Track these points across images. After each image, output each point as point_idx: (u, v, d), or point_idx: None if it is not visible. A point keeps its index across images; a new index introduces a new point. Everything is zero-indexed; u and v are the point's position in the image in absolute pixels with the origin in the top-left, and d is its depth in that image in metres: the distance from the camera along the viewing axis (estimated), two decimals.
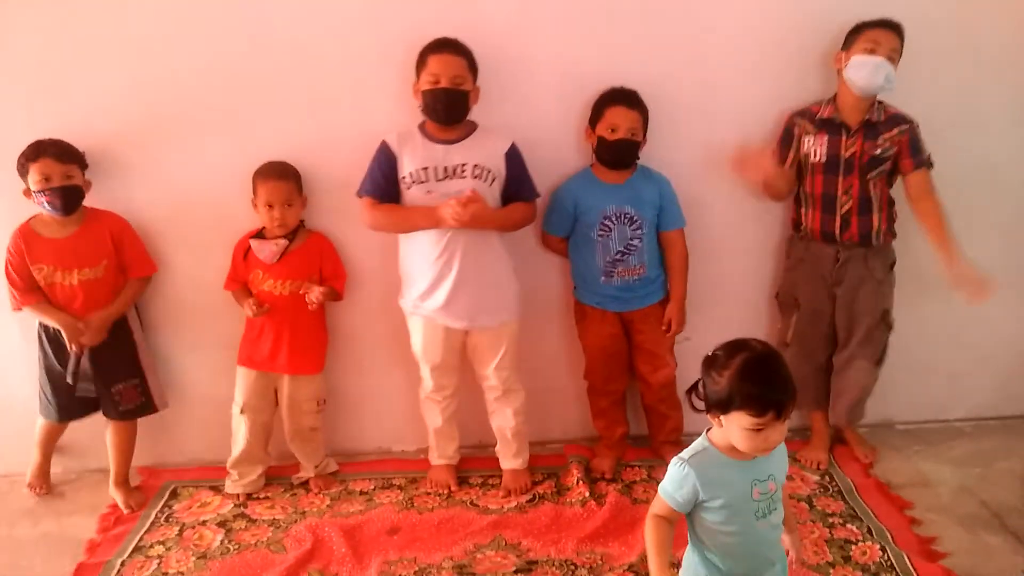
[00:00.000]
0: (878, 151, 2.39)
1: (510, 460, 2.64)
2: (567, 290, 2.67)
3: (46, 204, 2.37)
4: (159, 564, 2.35)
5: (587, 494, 2.54)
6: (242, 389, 2.59)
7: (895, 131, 2.39)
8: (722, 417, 1.54)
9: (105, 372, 2.53)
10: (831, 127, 2.41)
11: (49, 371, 2.53)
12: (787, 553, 1.75)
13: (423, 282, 2.40)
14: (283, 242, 2.48)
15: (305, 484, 2.69)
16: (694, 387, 1.60)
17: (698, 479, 1.56)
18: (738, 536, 1.60)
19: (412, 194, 2.34)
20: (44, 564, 2.37)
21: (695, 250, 2.59)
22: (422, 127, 2.38)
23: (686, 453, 1.61)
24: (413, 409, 2.69)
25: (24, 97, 2.47)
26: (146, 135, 2.51)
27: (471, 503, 2.57)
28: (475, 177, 2.32)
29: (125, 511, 2.58)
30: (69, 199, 2.39)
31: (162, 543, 2.44)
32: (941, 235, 2.38)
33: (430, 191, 2.31)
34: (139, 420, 2.64)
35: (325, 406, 2.67)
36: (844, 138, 2.40)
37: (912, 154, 2.40)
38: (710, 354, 1.57)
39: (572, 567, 2.25)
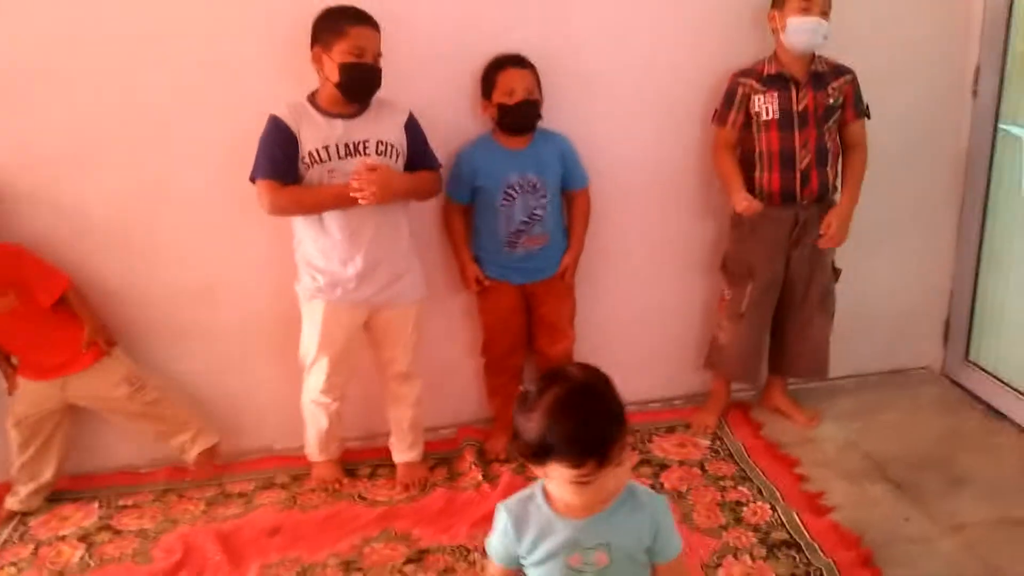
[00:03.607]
0: (831, 100, 2.39)
1: (405, 452, 2.52)
2: (453, 269, 2.57)
3: None
4: None
5: (480, 477, 2.46)
6: (21, 402, 2.38)
7: (841, 80, 2.40)
8: (543, 468, 1.27)
9: None
10: (780, 82, 2.38)
11: None
12: None
13: (330, 263, 2.24)
14: None
15: (176, 489, 2.50)
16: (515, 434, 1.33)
17: (514, 528, 1.33)
18: None
19: (312, 174, 2.16)
20: None
21: (621, 212, 2.58)
22: (312, 100, 2.19)
23: (512, 497, 1.39)
24: (295, 404, 2.54)
25: None
26: None
27: (359, 496, 2.45)
28: (379, 154, 2.18)
29: None
30: None
31: (14, 564, 2.21)
32: (856, 186, 2.47)
33: (332, 170, 2.15)
34: None
35: (143, 377, 2.45)
36: (795, 92, 2.37)
37: (855, 103, 2.43)
38: (522, 389, 1.31)
39: (465, 552, 2.16)
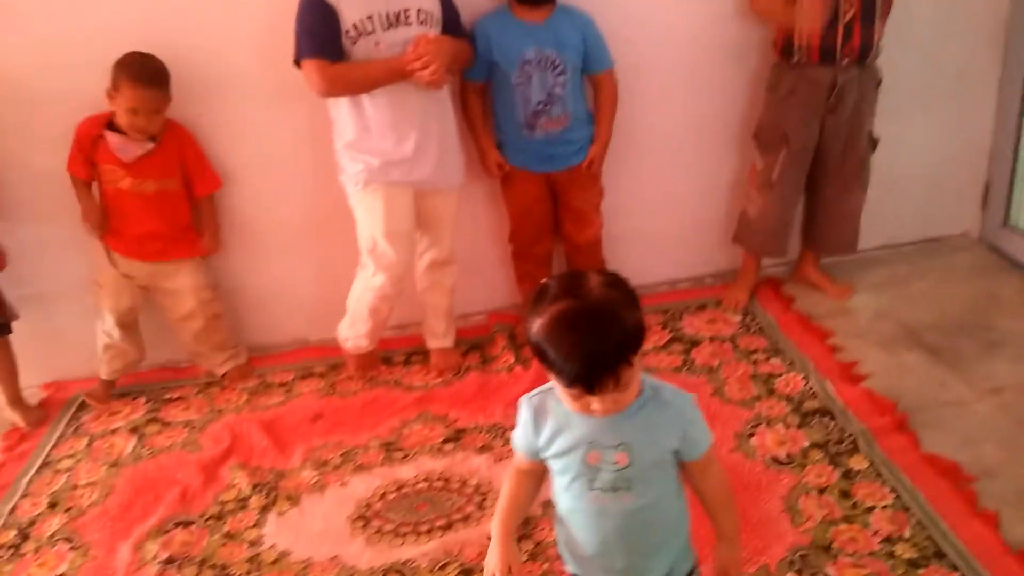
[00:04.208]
0: None
1: (440, 339, 2.54)
2: (475, 154, 2.50)
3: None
4: (68, 477, 2.23)
5: (513, 360, 2.49)
6: (111, 292, 2.41)
7: None
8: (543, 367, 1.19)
9: None
10: None
11: None
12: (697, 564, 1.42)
13: (383, 143, 2.17)
14: (148, 144, 2.26)
15: (219, 381, 2.57)
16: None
17: (532, 421, 1.28)
18: (576, 511, 1.30)
19: (358, 49, 2.08)
20: None
21: (646, 91, 2.47)
22: None
23: (536, 390, 1.31)
24: (329, 296, 2.56)
25: None
26: None
27: (395, 382, 2.50)
28: (421, 23, 2.10)
29: (28, 429, 2.43)
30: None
31: (71, 456, 2.32)
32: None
33: (378, 43, 2.08)
34: (30, 334, 2.45)
35: (218, 292, 2.52)
36: None
37: None
38: (543, 282, 1.21)
39: (500, 430, 2.22)
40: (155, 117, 2.23)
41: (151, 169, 2.29)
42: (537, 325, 1.15)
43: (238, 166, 2.48)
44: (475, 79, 2.35)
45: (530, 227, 2.51)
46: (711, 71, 2.57)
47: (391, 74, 2.08)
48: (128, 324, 2.46)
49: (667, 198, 2.74)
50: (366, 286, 2.37)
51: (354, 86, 2.12)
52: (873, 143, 2.50)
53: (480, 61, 2.31)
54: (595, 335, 1.13)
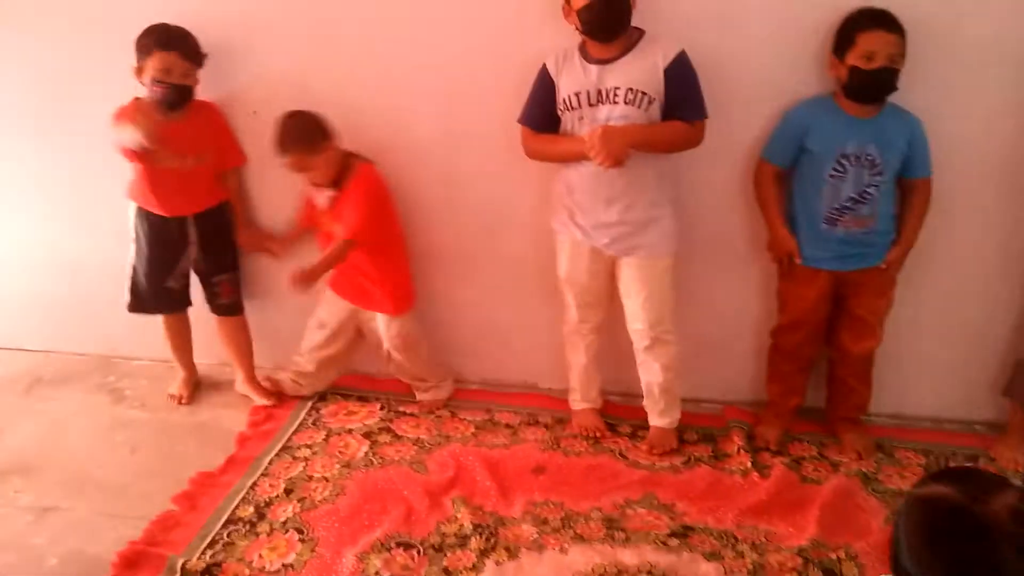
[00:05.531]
0: None
1: (656, 418, 2.46)
2: (756, 234, 2.40)
3: (157, 94, 2.28)
4: (304, 467, 2.34)
5: (749, 464, 2.34)
6: (324, 308, 2.58)
7: None
8: None
9: (210, 264, 2.53)
10: None
11: (152, 262, 2.48)
12: None
13: (577, 200, 2.25)
14: (329, 192, 2.36)
15: (449, 406, 2.64)
16: None
17: None
18: None
19: (566, 120, 2.18)
20: (197, 453, 2.42)
21: (936, 209, 2.26)
22: (582, 46, 2.16)
23: None
24: (560, 346, 2.55)
25: None
26: (259, 26, 2.41)
27: (619, 453, 2.43)
28: (627, 103, 2.09)
29: (268, 406, 2.60)
30: (182, 98, 2.32)
31: (309, 446, 2.44)
32: None
33: (582, 117, 2.14)
34: (277, 322, 2.65)
35: (417, 341, 2.57)
36: None
37: None
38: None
39: (733, 540, 2.07)
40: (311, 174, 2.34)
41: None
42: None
43: (504, 214, 2.54)
44: (774, 162, 2.26)
45: (804, 328, 2.36)
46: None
47: (576, 155, 2.14)
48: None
49: (948, 325, 2.48)
50: (566, 325, 2.48)
51: (547, 157, 2.27)
52: None
53: (789, 146, 2.22)
54: None
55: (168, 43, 2.25)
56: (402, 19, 2.36)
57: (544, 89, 2.18)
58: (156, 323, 2.65)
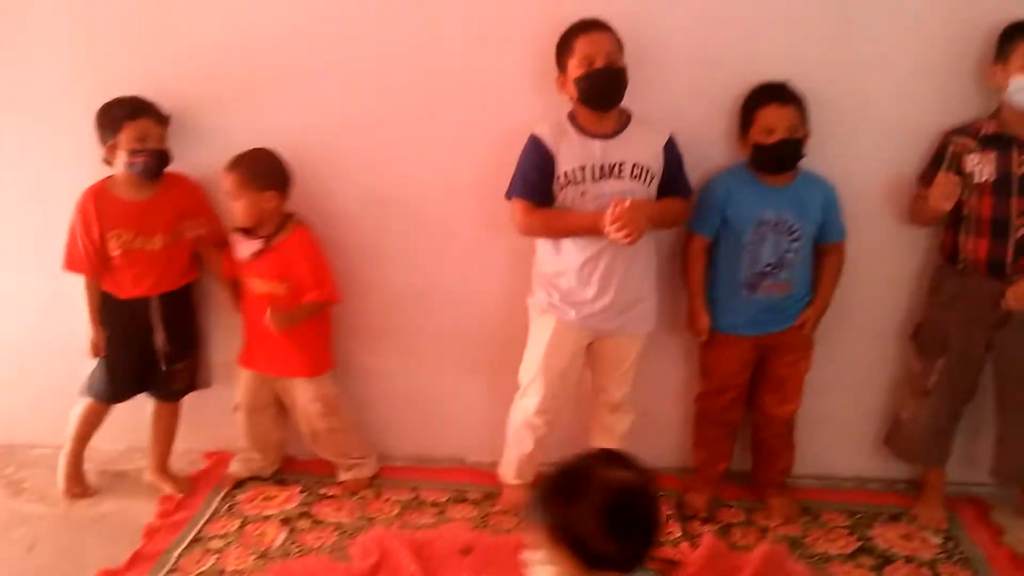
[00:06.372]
0: None
1: None
2: (680, 303, 2.41)
3: (138, 166, 2.22)
4: (217, 560, 2.21)
5: (680, 534, 2.31)
6: (240, 388, 2.47)
7: None
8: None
9: (173, 350, 2.40)
10: (999, 143, 2.12)
11: (124, 345, 2.38)
12: None
13: (568, 282, 2.19)
14: (256, 243, 2.30)
15: (373, 486, 2.54)
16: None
17: None
18: None
19: (566, 195, 2.13)
20: (99, 549, 2.25)
21: (852, 271, 2.34)
22: (572, 119, 2.15)
23: None
24: (491, 417, 2.50)
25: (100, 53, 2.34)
26: (213, 96, 2.37)
27: None
28: (634, 178, 2.11)
29: (178, 495, 2.46)
30: (162, 164, 2.25)
31: (222, 536, 2.30)
32: None
33: (584, 192, 2.10)
34: (206, 404, 2.52)
35: (338, 406, 2.49)
36: (1015, 154, 2.11)
37: None
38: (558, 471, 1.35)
39: None
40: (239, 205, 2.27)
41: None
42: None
43: (437, 282, 2.51)
44: (703, 234, 2.29)
45: (727, 393, 2.37)
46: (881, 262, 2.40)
47: (588, 230, 2.09)
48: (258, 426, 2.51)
49: (866, 386, 2.53)
50: (518, 415, 2.36)
51: (551, 232, 2.18)
52: None
53: (713, 216, 2.25)
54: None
55: (135, 112, 2.20)
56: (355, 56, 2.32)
57: (542, 160, 2.11)
58: (58, 407, 2.49)
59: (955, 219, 2.22)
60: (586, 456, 1.37)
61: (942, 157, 2.19)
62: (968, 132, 2.17)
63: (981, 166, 2.14)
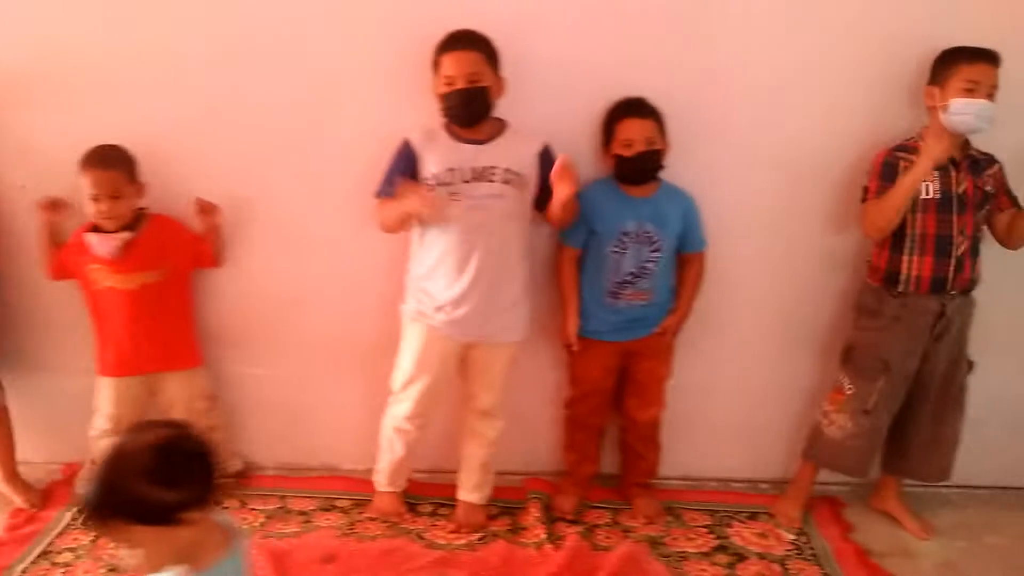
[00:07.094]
0: (987, 187, 2.23)
1: (470, 492, 2.44)
2: (553, 310, 2.43)
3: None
4: (63, 574, 2.12)
5: (544, 536, 2.33)
6: (108, 401, 2.34)
7: (995, 167, 2.25)
8: None
9: None
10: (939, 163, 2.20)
11: None
12: None
13: (435, 285, 2.20)
14: (124, 235, 2.24)
15: (240, 495, 2.46)
16: None
17: None
18: None
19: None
20: None
21: (718, 281, 2.42)
22: (447, 125, 2.19)
23: None
24: (366, 424, 2.48)
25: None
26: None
27: (418, 535, 2.36)
28: (505, 182, 2.14)
29: (29, 509, 2.36)
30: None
31: (72, 550, 2.22)
32: None
33: (455, 193, 2.13)
34: (55, 408, 2.47)
35: (217, 403, 2.46)
36: (954, 173, 2.21)
37: (1007, 191, 2.28)
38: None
39: None
40: (118, 203, 2.21)
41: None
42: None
43: (311, 287, 2.48)
44: (572, 245, 2.33)
45: (593, 398, 2.42)
46: (797, 275, 2.50)
47: (405, 206, 2.11)
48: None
49: (735, 390, 2.62)
50: (390, 421, 2.37)
51: (387, 218, 2.20)
52: (969, 365, 2.39)
53: (579, 228, 2.29)
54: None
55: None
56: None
57: (406, 163, 2.16)
58: None
59: (895, 240, 2.26)
60: (116, 445, 1.35)
61: (894, 171, 2.21)
62: (908, 150, 2.23)
63: (927, 183, 2.20)
